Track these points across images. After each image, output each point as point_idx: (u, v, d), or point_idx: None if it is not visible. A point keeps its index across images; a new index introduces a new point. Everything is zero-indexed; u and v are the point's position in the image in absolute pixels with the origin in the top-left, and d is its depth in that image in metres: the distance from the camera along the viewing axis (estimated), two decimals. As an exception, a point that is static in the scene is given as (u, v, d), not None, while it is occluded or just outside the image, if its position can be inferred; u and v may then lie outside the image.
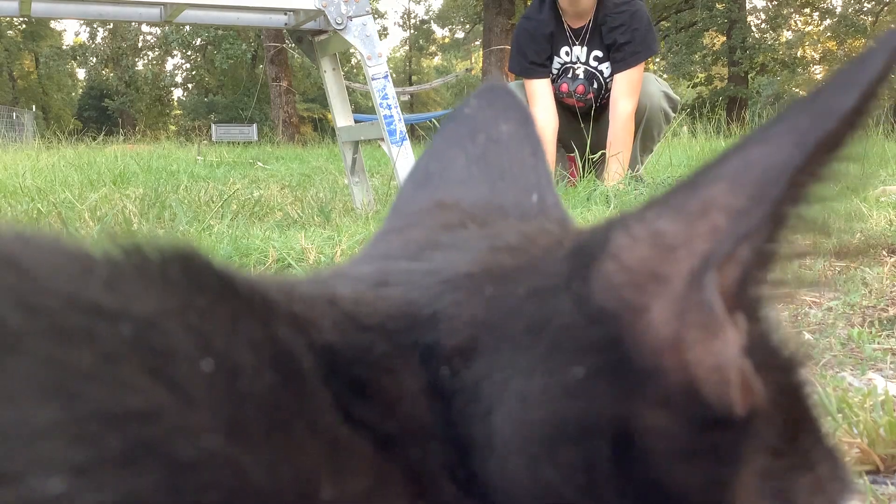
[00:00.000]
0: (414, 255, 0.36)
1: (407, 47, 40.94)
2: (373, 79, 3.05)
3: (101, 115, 33.13)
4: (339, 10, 3.00)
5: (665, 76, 23.60)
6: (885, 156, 4.65)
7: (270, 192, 4.19)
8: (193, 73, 36.31)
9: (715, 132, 7.21)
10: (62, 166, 5.64)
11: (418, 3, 51.63)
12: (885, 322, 1.63)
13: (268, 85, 20.60)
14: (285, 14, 3.29)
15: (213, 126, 18.64)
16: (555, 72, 4.00)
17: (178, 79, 37.29)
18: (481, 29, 21.27)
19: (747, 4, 25.58)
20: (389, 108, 3.05)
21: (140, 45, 34.76)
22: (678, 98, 4.05)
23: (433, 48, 41.94)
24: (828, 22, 27.61)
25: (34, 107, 27.48)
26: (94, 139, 10.42)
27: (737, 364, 0.28)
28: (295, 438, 0.26)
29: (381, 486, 0.27)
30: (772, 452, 0.31)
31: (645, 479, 0.28)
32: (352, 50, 3.14)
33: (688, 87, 27.37)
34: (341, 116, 3.47)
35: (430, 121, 10.08)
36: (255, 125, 18.66)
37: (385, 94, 3.05)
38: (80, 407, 0.23)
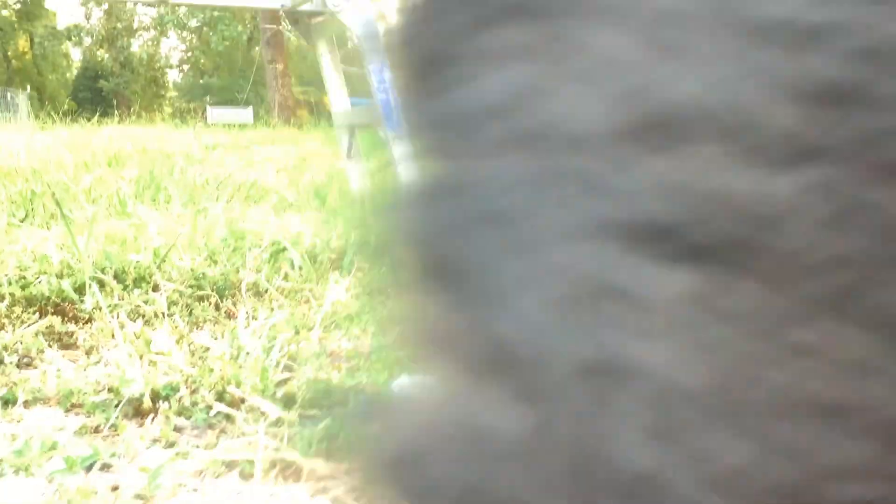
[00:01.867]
0: None
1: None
2: (370, 63, 3.03)
3: (96, 96, 32.89)
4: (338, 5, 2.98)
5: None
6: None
7: (266, 175, 4.17)
8: (189, 54, 36.07)
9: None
10: (57, 147, 5.61)
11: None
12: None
13: (263, 67, 20.46)
14: (282, -4, 3.27)
15: (208, 108, 18.54)
16: None
17: (174, 60, 37.06)
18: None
19: None
20: (386, 93, 3.03)
21: (136, 25, 34.52)
22: None
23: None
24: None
25: (28, 87, 27.28)
26: (89, 120, 10.36)
27: None
28: None
29: None
30: None
31: None
32: (349, 33, 3.12)
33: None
34: (338, 100, 3.45)
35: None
36: (250, 107, 18.56)
37: (382, 78, 3.03)
38: None
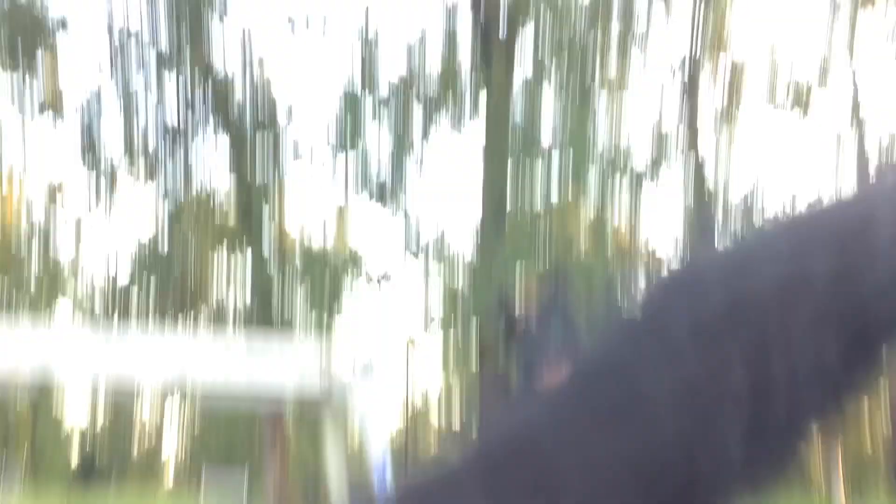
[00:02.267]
0: None
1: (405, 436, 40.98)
2: (372, 454, 3.21)
3: (91, 466, 32.46)
4: (343, 394, 3.24)
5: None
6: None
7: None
8: (189, 429, 36.08)
9: None
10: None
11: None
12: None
13: (263, 450, 20.46)
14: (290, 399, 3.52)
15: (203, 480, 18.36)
16: None
17: (173, 428, 36.93)
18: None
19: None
20: (385, 481, 3.17)
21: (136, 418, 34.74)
22: None
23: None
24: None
25: (24, 456, 27.05)
26: (84, 490, 10.27)
27: None
28: None
29: None
30: None
31: None
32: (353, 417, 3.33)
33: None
34: (337, 483, 3.57)
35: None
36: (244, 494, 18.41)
37: (384, 468, 3.19)
38: None
